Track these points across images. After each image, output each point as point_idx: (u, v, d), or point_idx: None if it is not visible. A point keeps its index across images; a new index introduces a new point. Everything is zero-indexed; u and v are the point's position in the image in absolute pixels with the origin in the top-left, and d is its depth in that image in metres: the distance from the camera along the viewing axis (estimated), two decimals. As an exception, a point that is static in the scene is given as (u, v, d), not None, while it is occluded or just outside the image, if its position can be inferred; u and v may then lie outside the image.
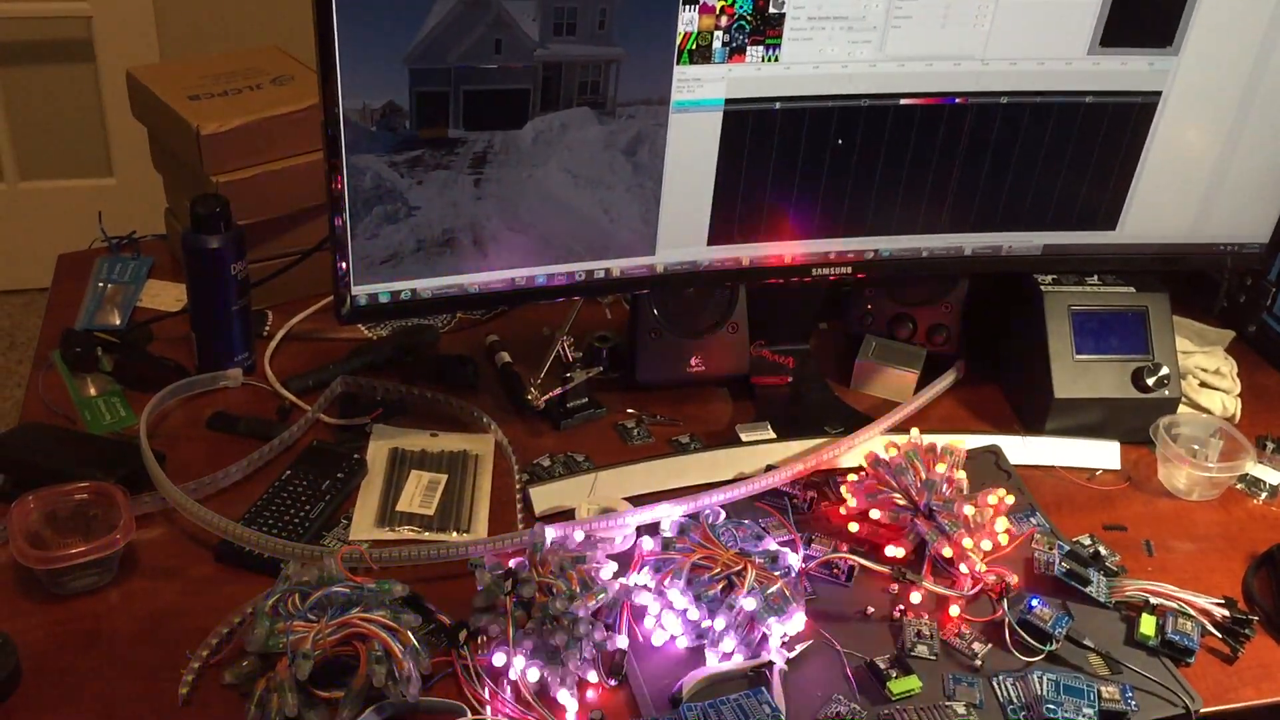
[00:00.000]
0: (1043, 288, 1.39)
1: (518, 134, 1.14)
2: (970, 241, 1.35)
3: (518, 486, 1.27)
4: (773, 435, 1.36)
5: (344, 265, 1.17)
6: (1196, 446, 1.35)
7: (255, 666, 1.01)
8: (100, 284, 1.53)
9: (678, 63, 1.16)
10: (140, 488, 1.19)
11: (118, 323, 1.46)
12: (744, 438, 1.36)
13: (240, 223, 1.34)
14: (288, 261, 1.46)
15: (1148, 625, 1.14)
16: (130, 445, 1.22)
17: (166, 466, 1.22)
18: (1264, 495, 1.34)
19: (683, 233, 1.27)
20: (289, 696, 0.98)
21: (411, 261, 1.19)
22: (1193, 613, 1.16)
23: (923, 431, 1.29)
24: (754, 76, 1.19)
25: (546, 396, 1.35)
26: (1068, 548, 1.22)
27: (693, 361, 1.41)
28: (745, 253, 1.31)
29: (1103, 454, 1.38)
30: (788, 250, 1.32)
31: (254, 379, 1.39)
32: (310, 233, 1.46)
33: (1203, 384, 1.46)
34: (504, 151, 1.15)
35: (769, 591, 1.09)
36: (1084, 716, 1.04)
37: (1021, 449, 1.37)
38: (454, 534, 1.20)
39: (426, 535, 1.20)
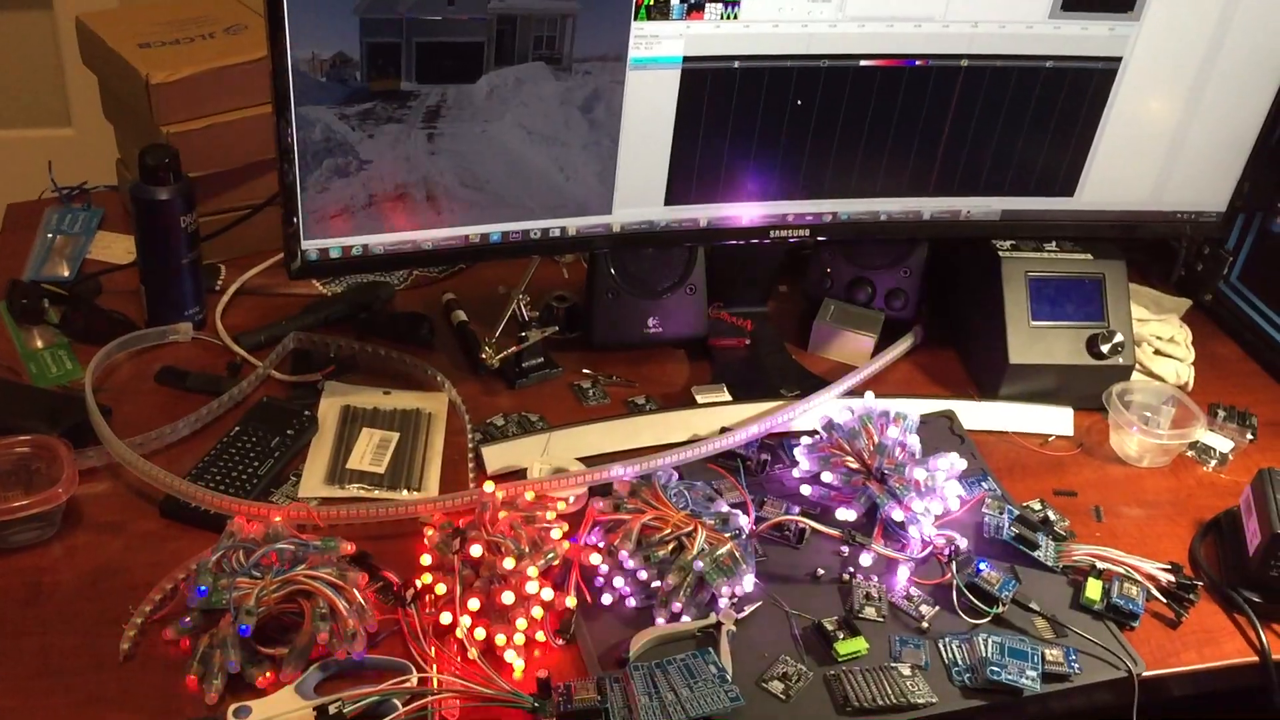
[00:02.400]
0: (1000, 253, 1.39)
1: (471, 88, 1.13)
2: (929, 206, 1.35)
3: (470, 445, 1.26)
4: (728, 398, 1.36)
5: (294, 219, 1.15)
6: (1149, 414, 1.36)
7: (198, 622, 1.00)
8: (49, 235, 1.50)
9: (635, 18, 1.14)
10: (85, 442, 1.18)
11: (66, 274, 1.44)
12: (699, 400, 1.35)
13: (191, 175, 1.32)
14: (239, 215, 1.44)
15: (1093, 589, 1.15)
16: (75, 399, 1.20)
17: (113, 420, 1.21)
18: (1213, 463, 1.35)
19: (639, 192, 1.26)
20: (232, 653, 0.97)
21: (363, 216, 1.17)
22: (1138, 577, 1.17)
23: (879, 395, 1.29)
24: (712, 34, 1.17)
25: (501, 355, 1.34)
26: (1017, 512, 1.22)
27: (650, 323, 1.41)
28: (703, 213, 1.30)
29: (1056, 420, 1.38)
30: (745, 212, 1.31)
31: (205, 334, 1.37)
32: (264, 186, 1.44)
33: (1157, 351, 1.46)
34: (457, 106, 1.13)
35: (718, 553, 1.09)
36: (1027, 679, 1.05)
37: (976, 414, 1.37)
38: (404, 492, 1.19)
39: (377, 493, 1.19)
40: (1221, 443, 1.36)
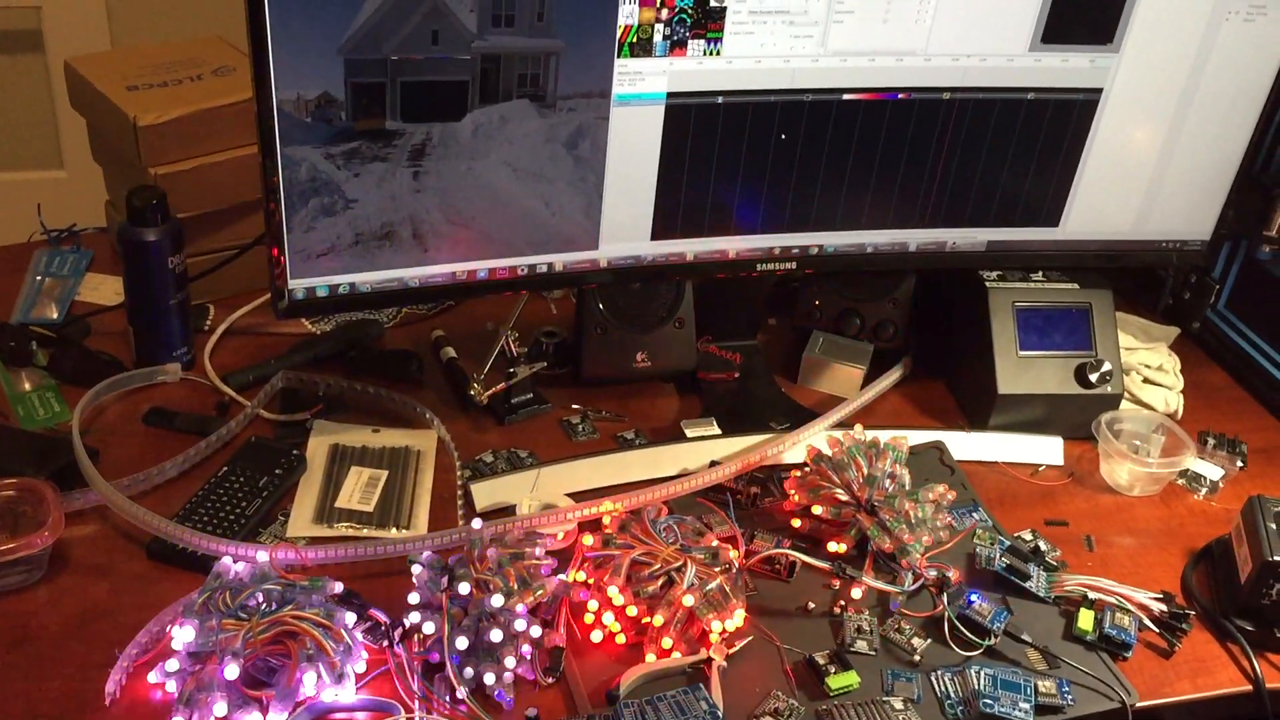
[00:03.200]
0: (987, 284, 1.40)
1: (457, 126, 1.13)
2: (915, 238, 1.36)
3: (460, 482, 1.26)
4: (718, 431, 1.36)
5: (280, 259, 1.15)
6: (1138, 442, 1.36)
7: (184, 665, 0.99)
8: (38, 277, 1.50)
9: (618, 55, 1.15)
10: (73, 484, 1.17)
11: (55, 316, 1.44)
12: (689, 433, 1.35)
13: (179, 215, 1.32)
14: (227, 256, 1.44)
15: (1086, 620, 1.14)
16: (63, 441, 1.20)
17: (100, 462, 1.20)
18: (1204, 491, 1.35)
19: (626, 227, 1.26)
20: (218, 695, 0.96)
21: (349, 255, 1.18)
22: (1131, 607, 1.16)
23: (868, 427, 1.29)
24: (696, 70, 1.18)
25: (490, 392, 1.34)
26: (1008, 543, 1.22)
27: (639, 357, 1.41)
28: (689, 248, 1.30)
29: (1046, 449, 1.38)
30: (731, 245, 1.32)
31: (193, 374, 1.37)
32: (251, 226, 1.44)
33: (1146, 380, 1.47)
34: (443, 144, 1.14)
35: (708, 588, 1.09)
36: (1020, 711, 1.04)
37: (965, 444, 1.37)
38: (393, 530, 1.19)
39: (365, 531, 1.19)
40: (1212, 470, 1.36)
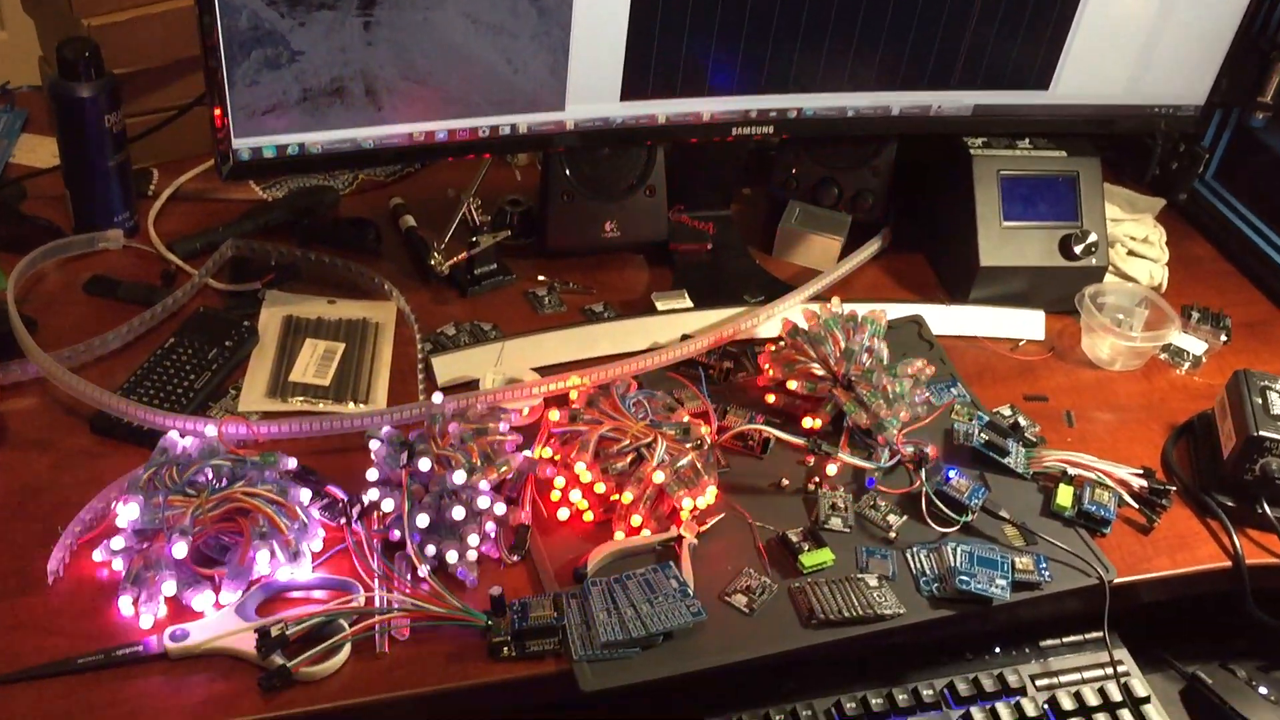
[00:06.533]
0: (972, 151, 1.33)
1: (411, -29, 1.05)
2: (898, 100, 1.29)
3: (420, 356, 1.20)
4: (690, 304, 1.30)
5: (223, 116, 1.08)
6: (1121, 316, 1.32)
7: (130, 542, 0.95)
8: (-31, 139, 1.42)
9: (586, -105, 1.06)
10: (9, 355, 1.11)
11: (-13, 180, 1.36)
12: (659, 306, 1.30)
13: (116, 71, 1.23)
14: (169, 115, 1.36)
15: (1064, 496, 1.12)
16: (-2, 310, 1.13)
17: (38, 333, 1.14)
18: (1187, 365, 1.32)
19: (594, 86, 1.19)
20: (166, 574, 0.92)
21: (297, 113, 1.10)
22: (1110, 483, 1.13)
23: (845, 300, 1.24)
24: (670, -87, 1.10)
25: (451, 262, 1.28)
26: (987, 418, 1.19)
27: (607, 226, 1.34)
28: (661, 109, 1.23)
29: (1027, 324, 1.34)
30: (706, 107, 1.24)
31: (137, 241, 1.30)
32: (194, 85, 1.34)
33: (1130, 252, 1.42)
34: (396, -9, 1.05)
35: (679, 464, 1.05)
36: (997, 587, 1.02)
37: (945, 318, 1.33)
38: (351, 405, 1.14)
39: (321, 406, 1.13)
40: (1195, 345, 1.33)
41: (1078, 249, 1.32)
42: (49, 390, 1.11)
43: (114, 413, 1.06)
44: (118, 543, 0.94)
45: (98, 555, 0.95)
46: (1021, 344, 1.33)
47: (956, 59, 1.26)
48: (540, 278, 1.33)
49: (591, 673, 0.93)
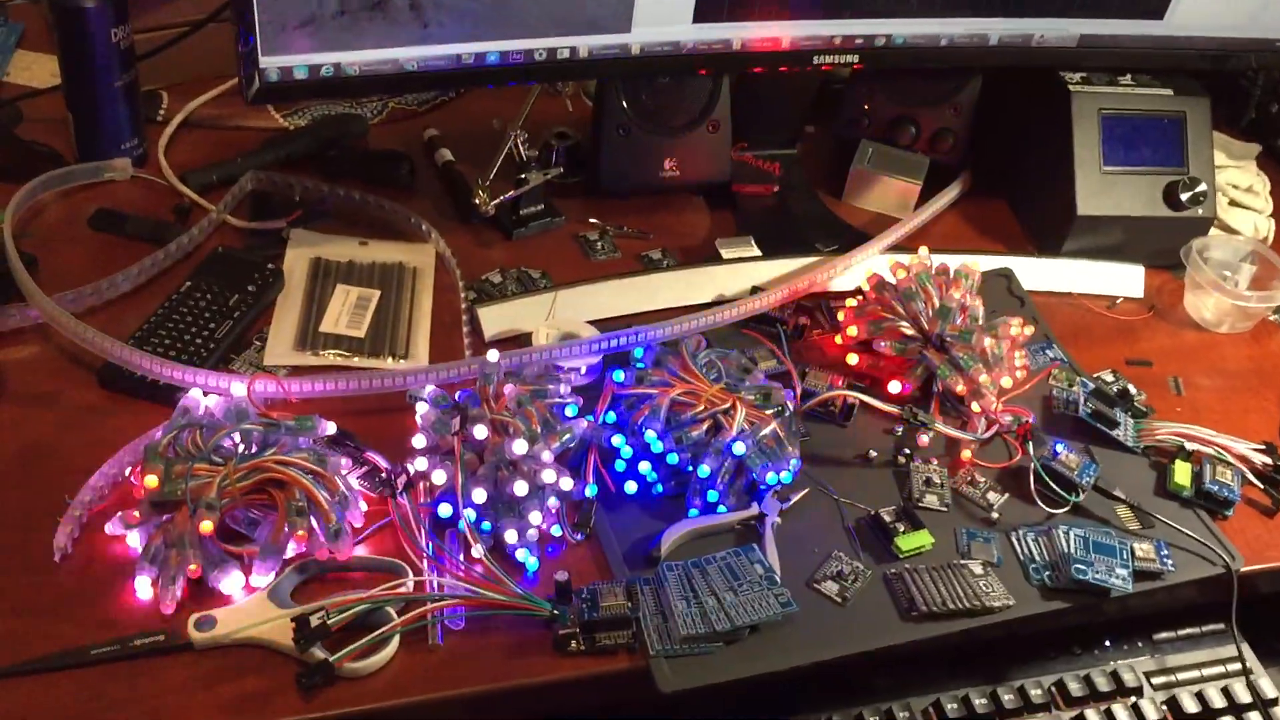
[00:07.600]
0: (1070, 87, 1.21)
1: None
2: (997, 28, 1.16)
3: (464, 306, 1.08)
4: (757, 252, 1.18)
5: (250, 29, 0.95)
6: (1227, 272, 1.20)
7: (148, 515, 0.83)
8: (-43, 54, 1.28)
9: None
10: (6, 297, 1.00)
11: (-21, 101, 1.22)
12: (725, 254, 1.18)
13: (123, -21, 1.10)
14: (182, 31, 1.22)
15: (1182, 474, 1.01)
16: (-8, 247, 1.01)
17: (39, 273, 1.02)
18: (1299, 329, 1.20)
19: (664, 6, 1.06)
20: (190, 553, 0.81)
21: (333, 28, 0.97)
22: (1231, 459, 1.02)
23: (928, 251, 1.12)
24: None
25: (496, 201, 1.15)
26: (1092, 385, 1.07)
27: (666, 164, 1.22)
28: (736, 33, 1.10)
29: (1125, 279, 1.22)
30: (786, 32, 1.11)
31: (146, 172, 1.18)
32: (210, -2, 1.22)
33: (1232, 203, 1.30)
34: (449, -112, 0.92)
35: (761, 434, 0.93)
36: (1118, 577, 0.91)
37: (1036, 272, 1.21)
38: (389, 360, 1.02)
39: (356, 361, 1.02)
40: (1308, 306, 1.21)
41: (1184, 197, 1.20)
42: (52, 337, 0.99)
43: (126, 365, 0.94)
44: (134, 516, 0.83)
45: (111, 529, 0.84)
46: (1119, 302, 1.21)
47: (1064, -18, 1.14)
48: (591, 220, 1.21)
49: (671, 670, 0.83)
